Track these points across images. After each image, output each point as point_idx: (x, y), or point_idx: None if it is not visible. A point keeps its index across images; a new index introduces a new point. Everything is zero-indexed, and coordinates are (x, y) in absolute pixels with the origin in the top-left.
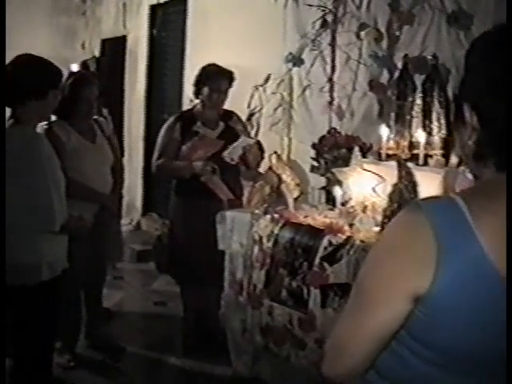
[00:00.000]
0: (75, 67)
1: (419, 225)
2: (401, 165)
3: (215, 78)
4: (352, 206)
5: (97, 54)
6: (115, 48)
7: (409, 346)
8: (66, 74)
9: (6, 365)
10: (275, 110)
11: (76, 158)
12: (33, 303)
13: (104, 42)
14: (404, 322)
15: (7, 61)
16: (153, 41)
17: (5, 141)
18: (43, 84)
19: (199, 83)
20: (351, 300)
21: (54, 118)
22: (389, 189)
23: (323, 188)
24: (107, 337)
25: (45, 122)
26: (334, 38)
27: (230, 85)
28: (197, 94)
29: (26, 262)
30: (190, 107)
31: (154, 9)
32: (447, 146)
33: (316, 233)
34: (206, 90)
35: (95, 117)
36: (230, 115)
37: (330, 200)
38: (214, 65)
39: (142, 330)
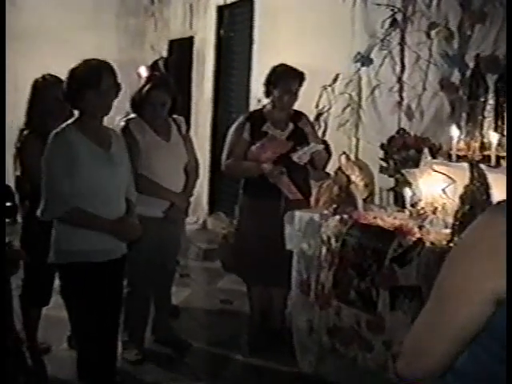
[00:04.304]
0: (144, 70)
1: (502, 227)
2: (473, 166)
3: (286, 79)
4: (422, 208)
5: (164, 55)
6: (182, 49)
7: (488, 348)
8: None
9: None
10: (343, 110)
11: (149, 156)
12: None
13: (171, 42)
14: (485, 324)
15: (75, 63)
16: (220, 41)
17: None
18: (94, 72)
19: (269, 83)
20: (432, 300)
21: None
22: (459, 190)
23: (391, 189)
24: (174, 332)
25: (123, 119)
26: (403, 38)
27: (300, 85)
28: (267, 94)
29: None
30: (259, 107)
31: (220, 9)
32: None
33: (385, 234)
34: (276, 90)
35: (174, 116)
36: (299, 116)
37: (399, 201)
38: (284, 65)
39: (208, 327)
